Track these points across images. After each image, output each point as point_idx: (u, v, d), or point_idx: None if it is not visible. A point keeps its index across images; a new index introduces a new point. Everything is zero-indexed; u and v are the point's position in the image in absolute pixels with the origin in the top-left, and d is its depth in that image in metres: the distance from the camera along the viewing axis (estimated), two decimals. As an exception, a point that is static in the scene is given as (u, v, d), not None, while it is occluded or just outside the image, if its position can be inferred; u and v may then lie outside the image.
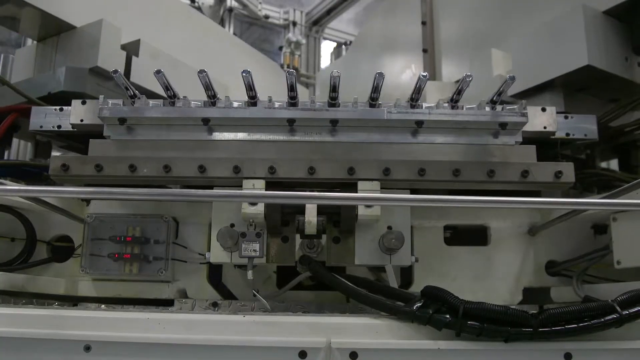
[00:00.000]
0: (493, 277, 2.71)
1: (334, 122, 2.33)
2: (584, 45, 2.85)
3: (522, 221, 2.74)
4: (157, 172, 2.25)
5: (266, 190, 2.24)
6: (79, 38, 3.51)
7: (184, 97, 2.36)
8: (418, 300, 1.89)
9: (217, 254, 2.34)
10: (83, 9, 3.61)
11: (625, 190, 2.18)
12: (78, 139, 2.78)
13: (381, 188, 2.25)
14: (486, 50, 3.48)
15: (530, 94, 3.09)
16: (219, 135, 2.39)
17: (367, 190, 2.23)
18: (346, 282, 2.21)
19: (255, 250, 2.25)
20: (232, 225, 2.30)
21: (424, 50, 5.06)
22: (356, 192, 2.24)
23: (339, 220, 2.30)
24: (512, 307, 1.83)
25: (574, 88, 3.06)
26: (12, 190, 2.18)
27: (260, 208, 2.17)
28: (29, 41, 4.41)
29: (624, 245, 2.34)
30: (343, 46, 11.51)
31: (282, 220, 2.30)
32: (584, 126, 2.63)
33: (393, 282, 2.33)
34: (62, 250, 2.74)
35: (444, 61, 4.79)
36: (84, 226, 2.59)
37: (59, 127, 2.63)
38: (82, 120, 2.51)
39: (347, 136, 2.37)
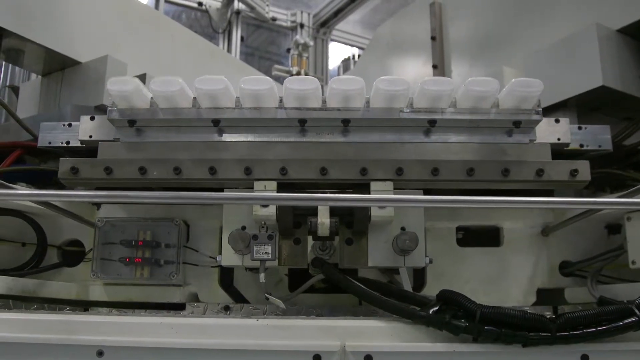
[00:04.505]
0: (506, 279, 2.69)
1: (346, 122, 2.31)
2: (598, 65, 2.81)
3: (535, 222, 2.72)
4: (167, 175, 2.24)
5: (278, 191, 2.21)
6: (84, 74, 3.49)
7: (194, 98, 2.34)
8: (434, 305, 1.87)
9: (229, 257, 2.29)
10: (88, 44, 3.61)
11: (635, 192, 2.15)
12: (86, 154, 2.76)
13: (394, 188, 2.22)
14: (497, 67, 3.46)
15: (543, 113, 3.08)
16: (229, 137, 2.36)
17: (380, 191, 2.21)
18: (361, 285, 2.17)
19: (267, 253, 2.21)
20: (244, 228, 2.27)
21: (434, 66, 5.03)
22: (369, 193, 2.21)
23: (352, 222, 2.26)
24: (529, 311, 1.79)
25: (587, 108, 3.03)
26: (24, 195, 2.18)
27: (272, 210, 2.15)
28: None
29: (638, 245, 2.32)
30: (351, 59, 11.54)
31: (294, 222, 2.27)
32: (598, 137, 2.55)
33: (407, 285, 2.31)
34: (72, 254, 2.73)
35: (455, 77, 4.76)
36: (94, 230, 2.59)
37: (68, 142, 2.60)
38: (90, 137, 2.49)
39: (359, 136, 2.34)
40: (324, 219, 2.17)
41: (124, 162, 2.27)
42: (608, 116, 3.12)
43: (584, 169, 2.24)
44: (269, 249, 2.21)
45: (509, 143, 2.32)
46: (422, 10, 5.29)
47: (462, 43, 4.80)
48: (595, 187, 3.04)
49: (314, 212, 2.21)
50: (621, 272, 2.53)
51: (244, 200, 2.12)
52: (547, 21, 3.62)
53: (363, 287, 2.17)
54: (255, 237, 2.22)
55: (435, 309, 1.85)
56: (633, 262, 2.33)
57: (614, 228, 2.65)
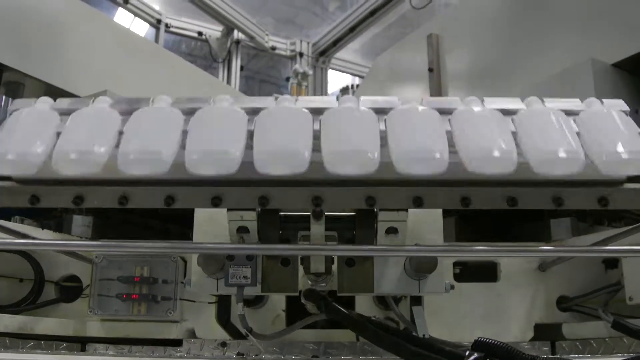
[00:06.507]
0: (504, 314, 2.67)
1: None
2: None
3: (532, 257, 2.70)
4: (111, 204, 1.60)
5: (259, 220, 1.78)
6: (83, 108, 3.53)
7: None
8: (474, 357, 1.56)
9: (199, 282, 1.94)
10: (87, 79, 3.65)
11: (634, 230, 2.14)
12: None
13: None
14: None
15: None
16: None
17: (391, 221, 1.75)
18: (386, 334, 1.78)
19: (246, 277, 1.81)
20: None
21: None
22: (376, 221, 1.77)
23: (354, 238, 1.86)
24: None
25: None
26: (13, 244, 2.12)
27: (252, 222, 1.77)
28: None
29: (635, 282, 2.32)
30: (350, 88, 11.64)
31: (281, 238, 1.87)
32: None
33: (424, 326, 2.02)
34: (70, 290, 2.73)
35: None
36: (92, 266, 2.58)
37: None
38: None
39: None
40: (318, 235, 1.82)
41: (52, 192, 1.61)
42: None
43: None
44: (247, 272, 1.82)
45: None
46: (419, 41, 5.35)
47: (460, 75, 4.85)
48: (593, 220, 3.04)
49: (306, 225, 1.81)
50: (619, 307, 2.52)
51: (245, 250, 1.80)
52: (544, 54, 3.66)
53: (392, 336, 1.77)
54: (230, 257, 1.83)
55: None
56: (630, 299, 2.33)
57: (612, 263, 2.65)
